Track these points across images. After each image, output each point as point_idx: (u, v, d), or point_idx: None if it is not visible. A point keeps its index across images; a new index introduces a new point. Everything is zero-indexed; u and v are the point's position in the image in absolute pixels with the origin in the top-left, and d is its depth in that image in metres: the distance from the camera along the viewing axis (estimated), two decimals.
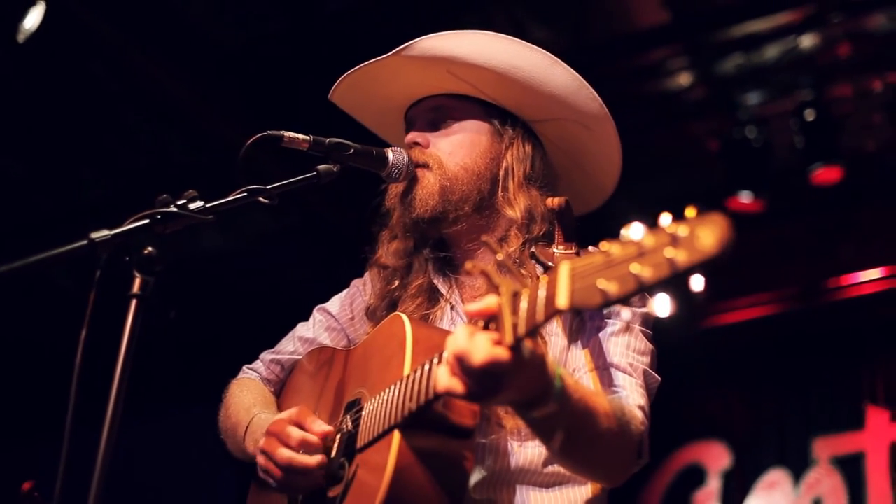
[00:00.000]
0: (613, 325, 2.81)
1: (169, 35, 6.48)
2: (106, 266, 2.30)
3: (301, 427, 2.71)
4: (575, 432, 2.33)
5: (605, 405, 2.47)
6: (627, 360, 2.77)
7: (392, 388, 2.54)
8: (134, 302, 2.28)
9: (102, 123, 7.04)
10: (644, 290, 1.76)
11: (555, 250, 2.74)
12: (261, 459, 2.76)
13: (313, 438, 2.68)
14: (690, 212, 1.74)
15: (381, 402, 2.58)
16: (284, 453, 2.67)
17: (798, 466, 7.40)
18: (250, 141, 2.72)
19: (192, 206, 2.46)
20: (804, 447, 7.42)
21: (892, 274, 7.41)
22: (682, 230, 1.72)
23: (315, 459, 2.66)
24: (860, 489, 7.14)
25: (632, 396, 2.70)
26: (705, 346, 7.94)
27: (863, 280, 7.50)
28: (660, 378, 2.83)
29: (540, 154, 3.12)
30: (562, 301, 1.88)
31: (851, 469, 7.23)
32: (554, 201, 2.77)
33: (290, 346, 3.33)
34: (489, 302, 2.10)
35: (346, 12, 6.36)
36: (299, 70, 6.53)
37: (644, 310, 2.87)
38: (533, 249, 2.80)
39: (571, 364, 2.79)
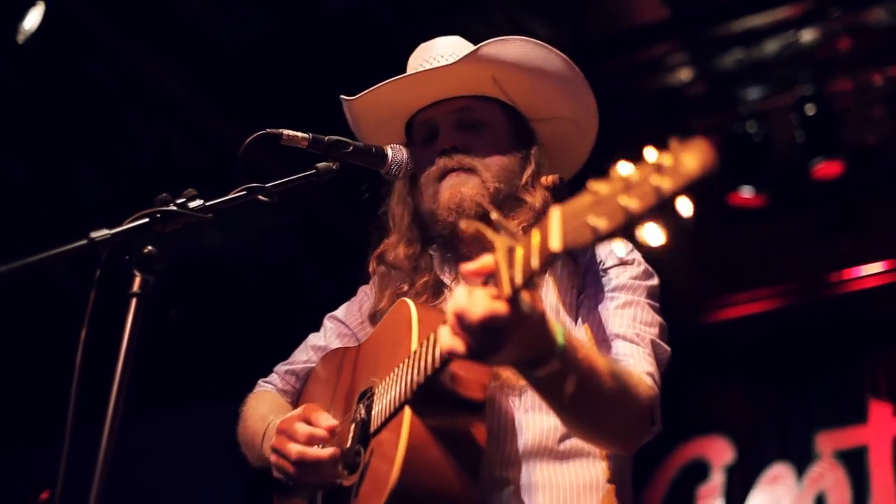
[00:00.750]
0: (618, 299, 2.83)
1: (169, 34, 6.49)
2: (106, 265, 2.31)
3: (308, 422, 2.73)
4: (580, 392, 2.32)
5: (611, 366, 2.48)
6: (634, 330, 2.77)
7: (400, 366, 2.56)
8: (134, 301, 2.29)
9: (102, 123, 7.04)
10: (634, 222, 1.75)
11: None
12: (273, 458, 2.79)
13: (320, 432, 2.70)
14: (673, 141, 1.74)
15: (390, 383, 2.60)
16: (294, 448, 2.70)
17: (801, 461, 7.40)
18: (249, 139, 2.72)
19: (192, 204, 2.47)
20: (807, 441, 7.43)
21: (894, 268, 7.41)
22: (665, 159, 1.73)
23: (326, 452, 2.68)
24: (863, 483, 7.14)
25: (639, 364, 2.69)
26: (707, 341, 7.94)
27: (864, 274, 7.50)
28: (669, 349, 2.82)
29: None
30: (555, 243, 1.88)
31: (855, 463, 7.23)
32: (548, 179, 2.81)
33: (304, 355, 3.36)
34: (485, 260, 2.10)
35: (347, 12, 6.36)
36: (299, 69, 6.53)
37: (649, 282, 2.90)
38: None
39: None
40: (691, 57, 6.76)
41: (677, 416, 7.60)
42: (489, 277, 2.11)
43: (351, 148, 2.90)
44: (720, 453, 7.76)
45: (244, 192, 2.63)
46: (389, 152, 2.99)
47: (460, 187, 3.00)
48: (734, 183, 6.91)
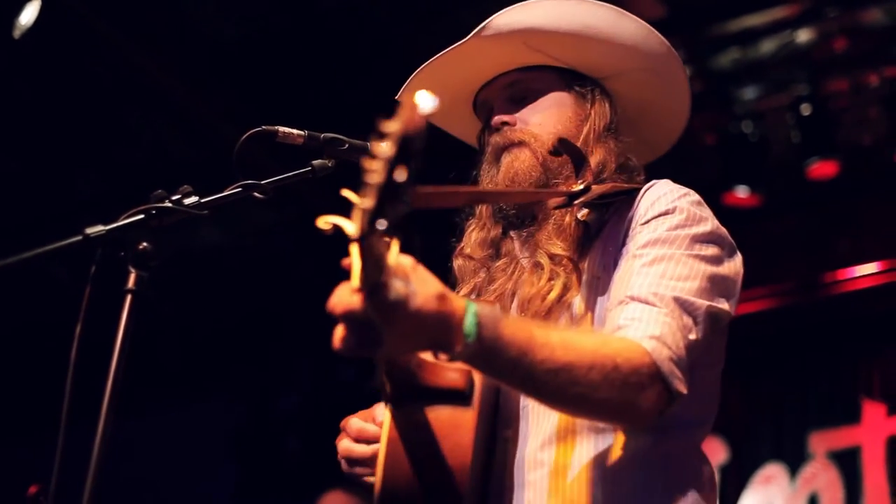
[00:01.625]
0: (645, 257, 2.57)
1: (166, 31, 6.49)
2: (101, 261, 2.31)
3: (365, 419, 2.70)
4: (519, 368, 2.19)
5: (566, 337, 2.31)
6: (653, 289, 2.48)
7: None
8: (129, 297, 2.29)
9: (98, 119, 7.04)
10: (386, 194, 1.77)
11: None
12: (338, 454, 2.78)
13: (372, 428, 2.65)
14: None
15: None
16: (344, 444, 2.69)
17: (794, 461, 7.39)
18: (245, 136, 2.73)
19: (187, 201, 2.48)
20: (800, 441, 7.41)
21: (889, 268, 7.40)
22: (390, 125, 1.76)
23: (370, 448, 2.64)
24: (857, 483, 7.14)
25: (641, 328, 2.41)
26: None
27: (859, 274, 7.49)
28: (722, 306, 2.59)
29: (614, 109, 3.11)
30: (351, 231, 1.87)
31: (848, 463, 7.22)
32: None
33: None
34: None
35: (344, 9, 6.36)
36: (296, 66, 6.54)
37: (694, 229, 2.63)
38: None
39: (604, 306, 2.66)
40: (687, 56, 6.75)
41: None
42: None
43: (346, 145, 2.90)
44: (713, 453, 7.73)
45: (239, 189, 2.63)
46: None
47: (513, 163, 2.96)
48: (729, 183, 6.91)
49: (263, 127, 2.77)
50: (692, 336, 2.46)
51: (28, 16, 5.77)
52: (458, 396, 2.42)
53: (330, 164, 2.86)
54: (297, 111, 4.27)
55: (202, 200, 2.51)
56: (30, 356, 8.46)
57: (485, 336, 2.12)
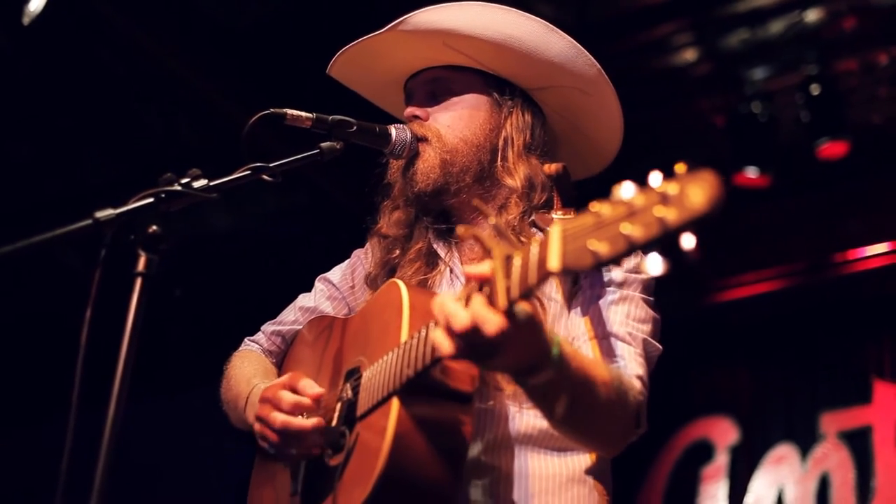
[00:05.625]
0: (613, 294, 2.78)
1: (173, 15, 6.48)
2: (111, 245, 2.30)
3: (294, 391, 2.71)
4: (572, 400, 2.33)
5: (604, 374, 2.48)
6: (627, 328, 2.74)
7: (390, 354, 2.54)
8: (139, 280, 2.28)
9: (107, 104, 7.05)
10: (635, 250, 1.75)
11: (554, 216, 2.75)
12: (257, 426, 2.78)
13: (306, 401, 2.68)
14: (680, 168, 1.73)
15: (379, 369, 2.58)
16: (279, 417, 2.68)
17: (805, 441, 7.40)
18: (253, 119, 2.73)
19: (196, 184, 2.47)
20: (811, 422, 7.42)
21: None
22: (671, 188, 1.71)
23: (310, 422, 2.67)
24: (868, 463, 7.14)
25: (630, 366, 2.68)
26: (712, 321, 7.95)
27: (869, 254, 7.49)
28: (661, 347, 2.81)
29: (540, 122, 3.13)
30: (553, 263, 1.88)
31: (859, 443, 7.23)
32: (551, 167, 2.78)
33: (291, 315, 3.35)
34: (483, 265, 2.10)
35: None
36: (302, 48, 6.53)
37: (643, 276, 2.84)
38: (533, 217, 2.82)
39: (571, 331, 2.79)
40: (696, 37, 6.75)
41: (682, 396, 7.67)
42: (486, 283, 2.11)
43: (355, 127, 2.91)
44: (724, 434, 7.76)
45: (248, 172, 2.63)
46: (393, 132, 3.00)
47: (415, 159, 3.02)
48: (739, 163, 6.90)
49: (272, 110, 2.78)
50: (647, 376, 2.73)
51: (37, 2, 5.78)
52: (467, 400, 2.52)
53: (338, 147, 2.86)
54: (304, 94, 4.26)
55: (211, 183, 2.50)
56: (39, 340, 8.47)
57: (562, 367, 2.26)
